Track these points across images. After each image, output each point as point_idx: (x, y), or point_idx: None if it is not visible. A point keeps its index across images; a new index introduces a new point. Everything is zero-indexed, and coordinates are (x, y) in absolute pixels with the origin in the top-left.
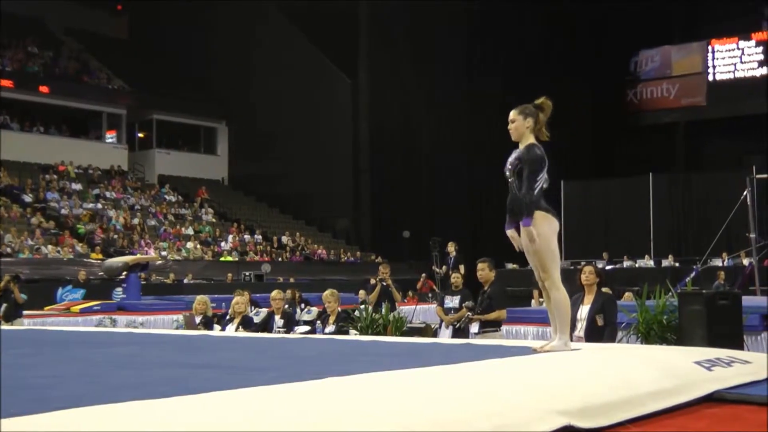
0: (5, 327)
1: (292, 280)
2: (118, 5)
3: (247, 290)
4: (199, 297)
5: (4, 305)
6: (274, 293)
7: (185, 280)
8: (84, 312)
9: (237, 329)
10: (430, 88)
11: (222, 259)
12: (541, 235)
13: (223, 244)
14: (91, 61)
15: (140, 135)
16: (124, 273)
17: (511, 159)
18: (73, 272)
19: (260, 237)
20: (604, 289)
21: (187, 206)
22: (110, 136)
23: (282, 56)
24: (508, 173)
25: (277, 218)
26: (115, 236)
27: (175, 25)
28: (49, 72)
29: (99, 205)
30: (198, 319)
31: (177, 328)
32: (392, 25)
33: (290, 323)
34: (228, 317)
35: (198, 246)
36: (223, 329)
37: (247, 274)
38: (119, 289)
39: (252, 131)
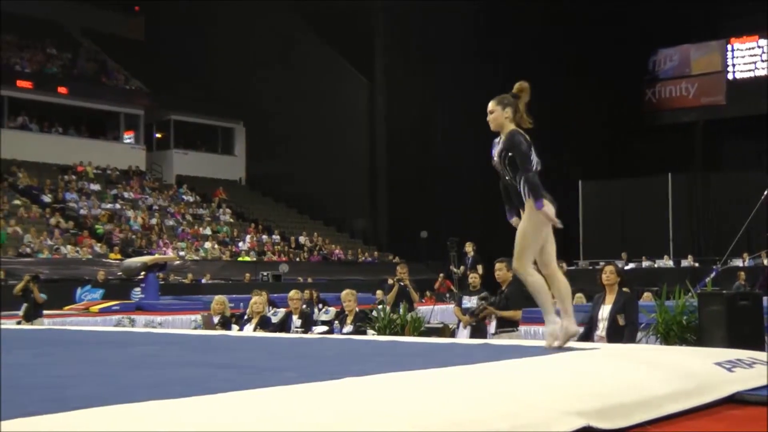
0: (26, 326)
1: (309, 280)
2: (136, 6)
3: (265, 290)
4: (217, 297)
5: (25, 305)
6: (292, 293)
7: (203, 280)
8: (103, 312)
9: (255, 329)
10: (446, 88)
11: (240, 259)
12: (533, 220)
13: (240, 244)
14: (108, 62)
15: (158, 135)
16: (143, 273)
17: (496, 150)
18: (92, 272)
19: (278, 237)
20: (624, 289)
21: (205, 206)
22: (128, 137)
23: (299, 57)
24: (496, 165)
25: (295, 218)
26: (134, 236)
27: (192, 25)
28: (67, 73)
29: (117, 206)
30: (216, 319)
31: (195, 328)
32: (408, 24)
33: (308, 323)
34: (246, 317)
35: (216, 246)
36: (241, 329)
37: (265, 274)
38: (138, 289)
39: (269, 131)
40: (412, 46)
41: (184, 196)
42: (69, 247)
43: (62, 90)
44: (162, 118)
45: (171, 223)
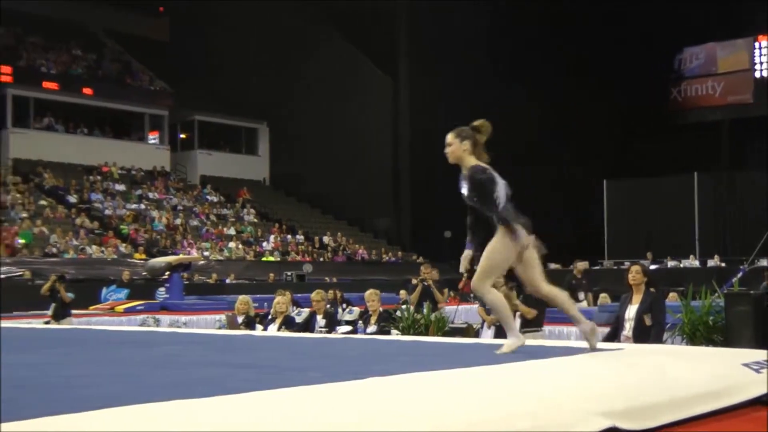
0: (54, 326)
1: (333, 280)
2: (160, 7)
3: (289, 290)
4: (241, 297)
5: (53, 305)
6: (316, 293)
7: (227, 280)
8: (128, 312)
9: (279, 329)
10: (470, 87)
11: (264, 259)
12: (501, 243)
13: (264, 244)
14: (133, 63)
15: (182, 136)
16: (167, 273)
17: (463, 190)
18: (117, 272)
19: (302, 237)
20: (651, 289)
21: (229, 206)
22: (152, 137)
23: (322, 57)
24: (467, 201)
25: (319, 218)
26: (158, 237)
27: (215, 26)
28: (92, 74)
29: (142, 206)
30: (240, 319)
31: (219, 328)
32: (432, 23)
33: (332, 323)
34: (270, 317)
35: (240, 246)
36: (265, 329)
37: (289, 274)
38: (162, 289)
39: (293, 132)
40: (436, 44)
41: (208, 197)
42: (94, 247)
43: (87, 91)
44: (186, 118)
45: (195, 223)
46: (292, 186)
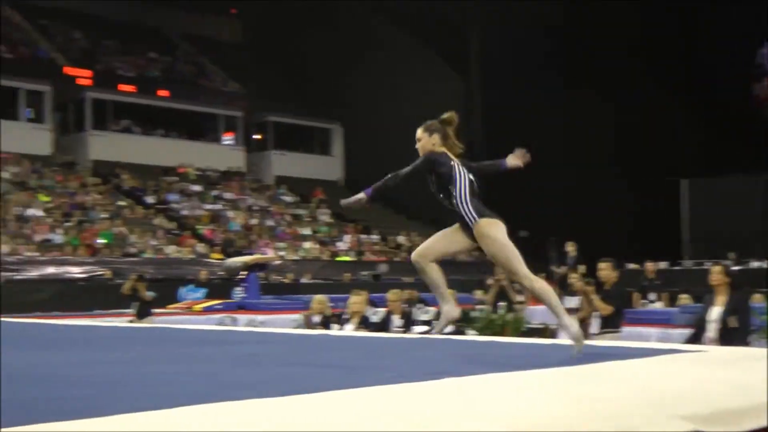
0: (137, 324)
1: (409, 280)
2: (233, 9)
3: (365, 290)
4: (317, 296)
5: (136, 303)
6: (392, 293)
7: (303, 280)
8: (206, 311)
9: (355, 329)
10: (542, 87)
11: (339, 259)
12: (497, 240)
13: (340, 244)
14: (207, 65)
15: (256, 137)
16: (244, 272)
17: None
18: (195, 272)
19: (377, 237)
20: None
21: (304, 207)
22: (227, 138)
23: (395, 57)
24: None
25: (394, 218)
26: (234, 237)
27: (288, 26)
28: (167, 76)
29: (218, 206)
30: (316, 319)
31: (296, 328)
32: (504, 20)
33: (408, 323)
34: (346, 317)
35: (315, 246)
36: (341, 329)
37: (365, 274)
38: (239, 288)
39: (366, 131)
40: (508, 44)
41: (283, 197)
42: (172, 247)
43: (163, 93)
44: (260, 119)
45: (270, 223)
46: (366, 186)
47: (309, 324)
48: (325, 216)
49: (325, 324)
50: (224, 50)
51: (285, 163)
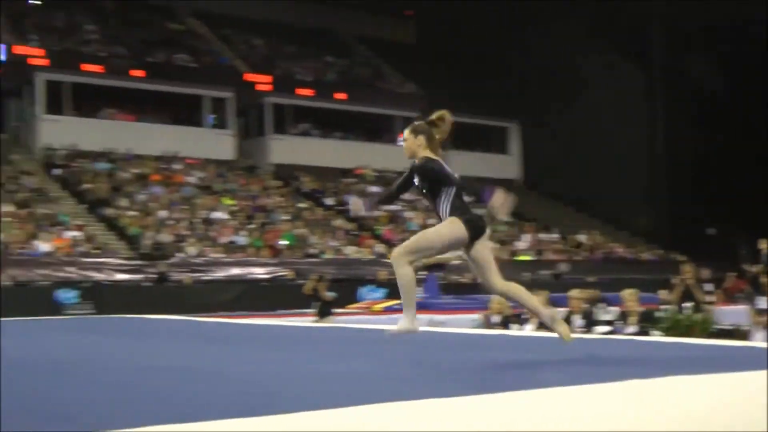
0: (319, 324)
1: (591, 279)
2: (407, 11)
3: (545, 290)
4: (495, 296)
5: (318, 303)
6: (574, 292)
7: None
8: (387, 311)
9: (535, 329)
10: (723, 76)
11: (518, 258)
12: (446, 227)
13: (519, 243)
14: (382, 67)
15: None
16: (423, 272)
17: (415, 181)
18: (374, 272)
19: (557, 236)
20: None
21: (481, 206)
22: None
23: (572, 53)
24: (419, 191)
25: (573, 217)
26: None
27: (463, 25)
28: (344, 79)
29: (396, 207)
30: (495, 319)
31: (475, 327)
32: (684, 16)
33: (590, 323)
34: (525, 317)
35: (494, 245)
36: (520, 329)
37: (545, 273)
38: (419, 288)
39: (544, 129)
40: (689, 36)
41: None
42: (351, 247)
43: (340, 96)
44: None
45: None
46: (545, 185)
47: (488, 324)
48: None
49: (505, 324)
50: (399, 51)
51: (462, 163)
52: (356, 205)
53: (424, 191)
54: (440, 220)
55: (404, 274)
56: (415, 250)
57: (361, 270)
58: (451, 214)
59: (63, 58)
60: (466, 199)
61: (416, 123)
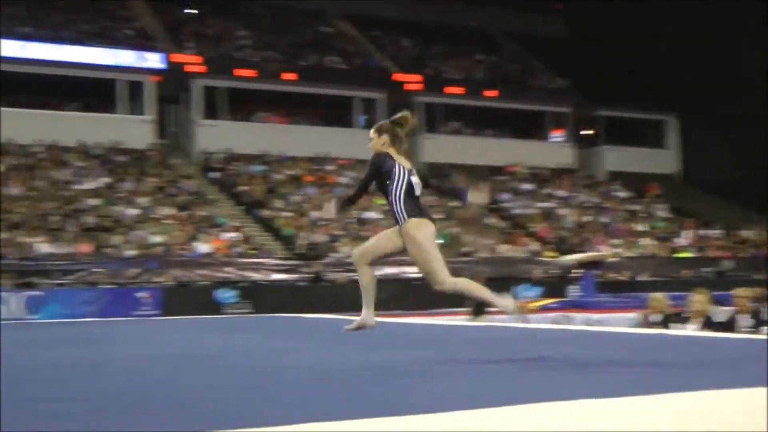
0: (473, 323)
1: (760, 276)
2: (556, 5)
3: (707, 288)
4: (655, 295)
5: (473, 302)
6: (740, 291)
7: (640, 278)
8: (543, 309)
9: (698, 329)
10: None
11: (678, 255)
12: (416, 240)
13: (678, 239)
14: (532, 63)
15: (587, 132)
16: (579, 270)
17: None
18: (529, 270)
19: (719, 232)
20: None
21: (639, 202)
22: (555, 135)
23: (736, 44)
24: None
25: (737, 212)
26: (567, 234)
27: (616, 18)
28: (493, 77)
29: (550, 204)
30: (654, 318)
31: (633, 326)
32: None
33: (758, 323)
34: (686, 316)
35: (653, 242)
36: (682, 328)
37: (707, 270)
38: (576, 286)
39: (705, 122)
40: None
41: (616, 193)
42: (505, 246)
43: (490, 93)
44: (588, 114)
45: (605, 219)
46: (707, 179)
47: (646, 323)
48: (662, 211)
49: (665, 323)
50: (549, 47)
51: (617, 158)
52: (328, 209)
53: (374, 183)
54: (396, 221)
55: (461, 286)
56: (431, 268)
57: (515, 268)
58: (410, 216)
59: (218, 64)
60: (429, 198)
61: (381, 123)
